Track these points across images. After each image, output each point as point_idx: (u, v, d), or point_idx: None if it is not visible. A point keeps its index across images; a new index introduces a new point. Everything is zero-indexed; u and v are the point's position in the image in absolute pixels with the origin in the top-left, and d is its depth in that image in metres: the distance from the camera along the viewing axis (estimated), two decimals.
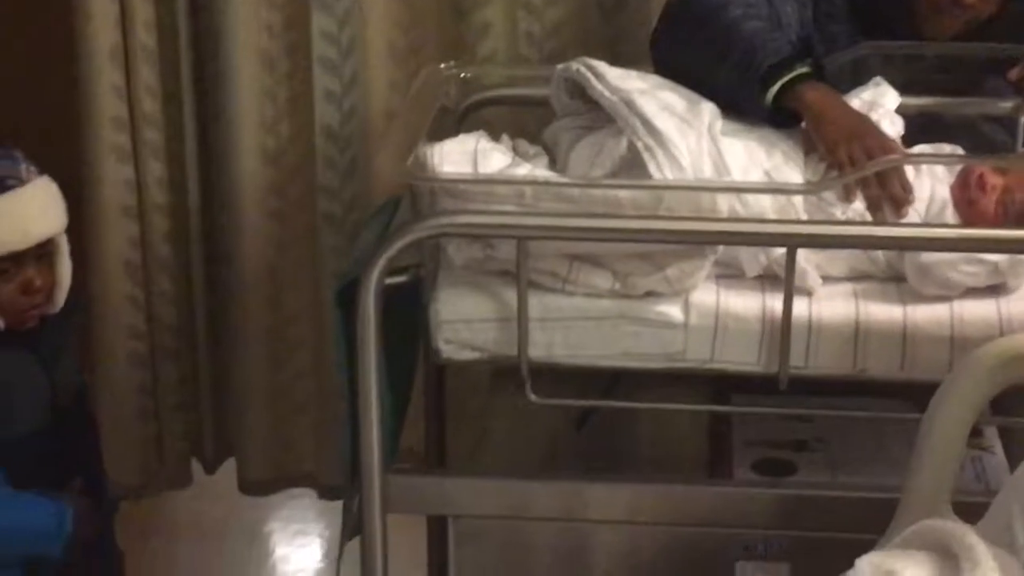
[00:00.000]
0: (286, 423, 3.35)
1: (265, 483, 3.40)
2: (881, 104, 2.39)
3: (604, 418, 2.47)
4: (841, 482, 2.27)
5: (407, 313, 2.27)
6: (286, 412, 3.33)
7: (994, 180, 2.25)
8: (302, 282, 3.25)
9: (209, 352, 3.34)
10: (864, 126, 2.28)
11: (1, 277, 2.42)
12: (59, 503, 2.48)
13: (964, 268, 2.16)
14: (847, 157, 2.23)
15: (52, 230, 2.47)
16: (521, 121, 2.86)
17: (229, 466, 3.43)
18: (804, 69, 2.32)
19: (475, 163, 2.23)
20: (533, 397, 2.21)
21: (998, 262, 2.16)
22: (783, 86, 2.30)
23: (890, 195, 2.23)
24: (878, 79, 2.44)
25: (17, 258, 2.43)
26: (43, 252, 2.47)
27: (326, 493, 3.39)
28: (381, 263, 2.09)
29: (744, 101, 2.35)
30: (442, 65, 2.61)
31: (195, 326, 3.32)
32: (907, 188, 2.24)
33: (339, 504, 3.28)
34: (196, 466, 3.44)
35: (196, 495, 3.51)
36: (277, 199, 3.20)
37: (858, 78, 2.48)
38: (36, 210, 2.44)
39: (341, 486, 3.27)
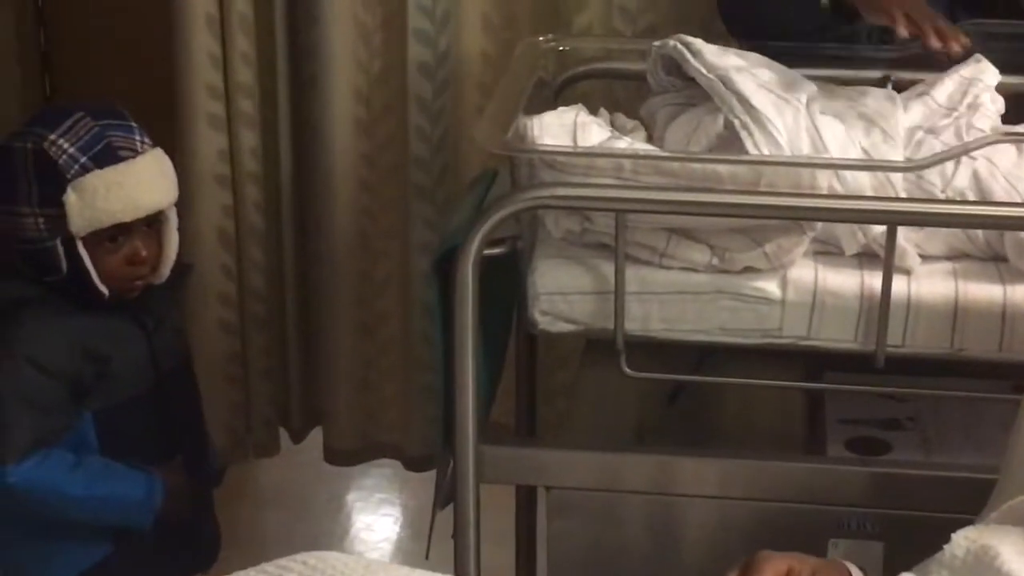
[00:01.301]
0: (373, 393, 3.37)
1: (351, 453, 3.44)
2: (981, 80, 2.37)
3: (695, 392, 2.46)
4: (935, 462, 2.26)
5: (501, 283, 2.28)
6: (373, 382, 3.36)
7: None
8: (391, 253, 3.27)
9: (298, 321, 3.37)
10: None
11: (109, 246, 2.44)
12: (151, 476, 2.51)
13: None
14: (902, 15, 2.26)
15: (161, 203, 2.48)
16: (617, 94, 2.87)
17: (316, 435, 3.46)
18: None
19: (574, 136, 2.23)
20: (628, 371, 2.21)
21: None
22: None
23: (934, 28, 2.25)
24: (978, 56, 2.42)
25: (126, 228, 2.44)
26: (152, 223, 2.48)
27: (411, 464, 3.41)
28: (480, 234, 2.10)
29: (801, 15, 2.36)
30: (540, 38, 2.61)
31: (285, 295, 3.34)
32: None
33: (422, 475, 3.34)
34: (283, 435, 3.47)
35: (282, 463, 3.54)
36: (368, 170, 3.21)
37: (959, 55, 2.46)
38: (147, 182, 2.45)
39: (426, 457, 3.32)
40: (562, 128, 2.24)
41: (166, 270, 2.53)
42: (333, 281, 3.27)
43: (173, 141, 3.02)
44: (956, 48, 2.27)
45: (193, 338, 3.20)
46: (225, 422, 3.31)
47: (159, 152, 2.51)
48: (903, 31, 2.30)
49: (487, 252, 2.13)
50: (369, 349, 3.33)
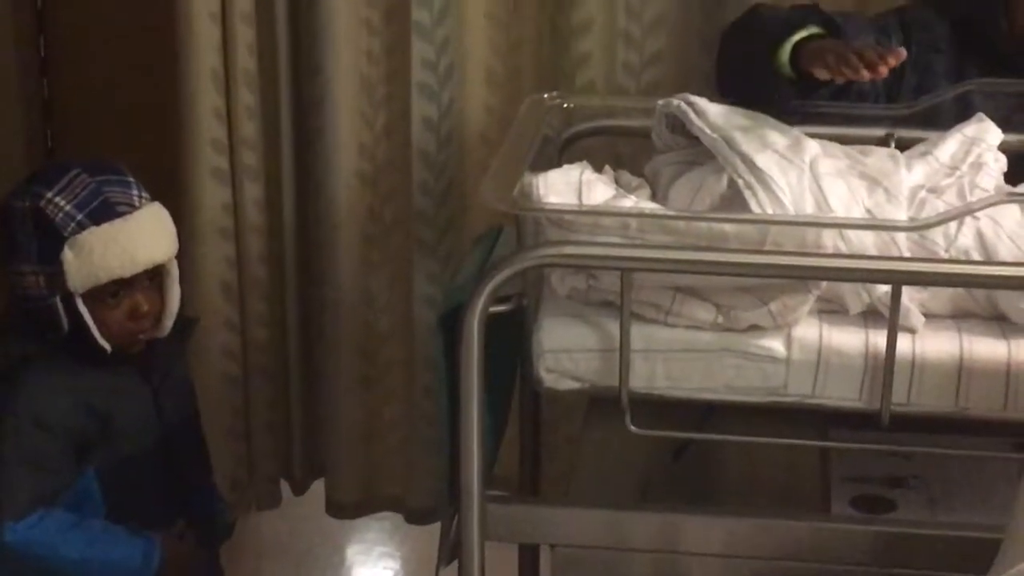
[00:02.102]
0: (375, 445, 3.37)
1: (352, 505, 3.44)
2: (984, 140, 2.38)
3: (700, 448, 2.46)
4: (941, 520, 2.25)
5: (506, 337, 2.28)
6: (375, 434, 3.36)
7: None
8: (395, 305, 3.27)
9: (301, 374, 3.37)
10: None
11: (109, 302, 2.45)
12: (150, 542, 2.52)
13: None
14: (835, 56, 2.29)
15: (161, 257, 2.49)
16: (621, 151, 2.88)
17: (317, 487, 3.46)
18: (815, 29, 2.38)
19: (580, 194, 2.24)
20: (633, 428, 2.22)
21: None
22: (795, 49, 2.38)
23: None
24: (980, 115, 2.44)
25: (126, 283, 2.45)
26: (153, 276, 2.49)
27: (413, 517, 3.41)
28: (487, 291, 2.10)
29: (770, 78, 2.41)
30: (545, 95, 2.62)
31: (288, 348, 3.35)
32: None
33: (423, 528, 3.33)
34: (285, 487, 3.47)
35: (283, 515, 3.54)
36: (372, 223, 3.22)
37: (961, 114, 2.48)
38: (145, 237, 2.46)
39: (428, 510, 3.32)
40: (568, 186, 2.25)
41: (168, 323, 2.54)
42: (336, 334, 3.27)
43: (174, 194, 3.03)
44: (892, 61, 2.27)
45: (196, 391, 3.21)
46: (227, 474, 3.31)
47: (157, 206, 2.51)
48: (823, 73, 2.33)
49: (493, 309, 2.14)
50: (372, 402, 3.34)
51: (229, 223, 3.21)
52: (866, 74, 2.25)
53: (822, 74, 2.33)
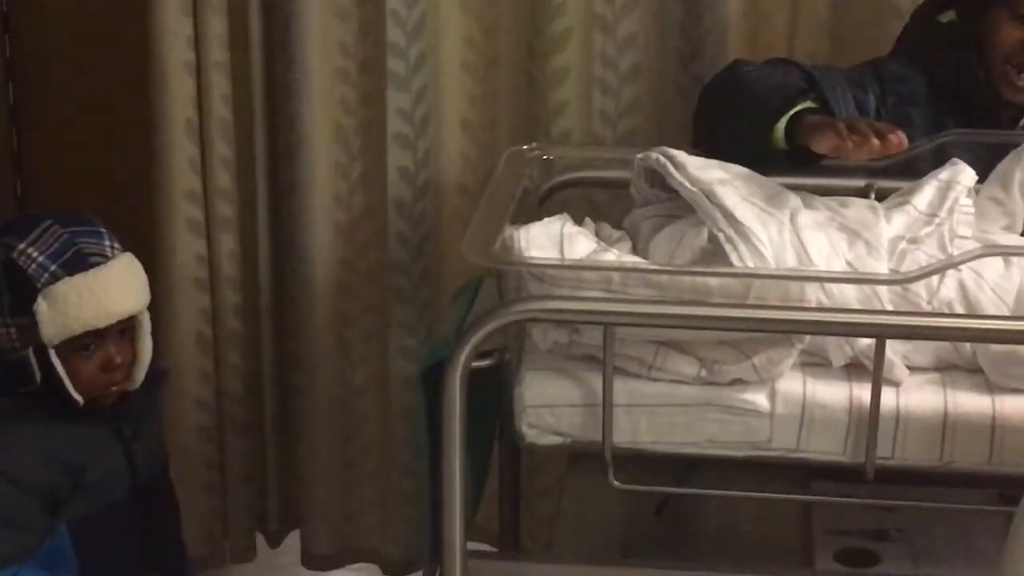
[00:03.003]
0: (351, 497, 3.35)
1: (329, 557, 3.41)
2: (959, 183, 2.38)
3: (682, 503, 2.45)
4: (925, 573, 2.25)
5: (485, 392, 2.27)
6: (352, 486, 3.34)
7: None
8: (371, 357, 3.25)
9: (276, 425, 3.34)
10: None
11: (82, 353, 2.43)
12: None
13: None
14: (847, 131, 2.28)
15: (134, 308, 2.47)
16: (600, 201, 2.88)
17: (293, 539, 3.43)
18: (808, 104, 2.37)
19: (561, 247, 2.24)
20: (616, 483, 2.21)
21: None
22: (790, 124, 2.37)
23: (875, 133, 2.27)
24: (954, 160, 2.44)
25: (99, 335, 2.43)
26: (125, 328, 2.47)
27: (389, 568, 3.39)
28: (469, 347, 2.09)
29: (763, 150, 2.40)
30: (524, 147, 2.62)
31: (263, 399, 3.32)
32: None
33: None
34: (259, 539, 3.44)
35: (259, 568, 3.49)
36: (348, 273, 3.21)
37: (940, 164, 2.47)
38: (118, 288, 2.44)
39: (405, 561, 3.30)
40: (549, 239, 2.25)
41: (140, 375, 2.52)
42: (312, 385, 3.25)
43: (147, 245, 3.01)
44: (895, 140, 2.28)
45: (171, 444, 3.17)
46: (202, 528, 3.28)
47: (130, 257, 2.50)
48: (824, 147, 2.33)
49: (474, 364, 2.13)
50: (348, 453, 3.31)
51: (204, 274, 3.19)
52: (875, 143, 2.24)
53: (822, 148, 2.31)
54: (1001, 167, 2.49)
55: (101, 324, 2.42)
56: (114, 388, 2.49)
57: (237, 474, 3.33)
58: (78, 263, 2.41)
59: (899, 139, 2.25)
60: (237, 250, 3.20)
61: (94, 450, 2.50)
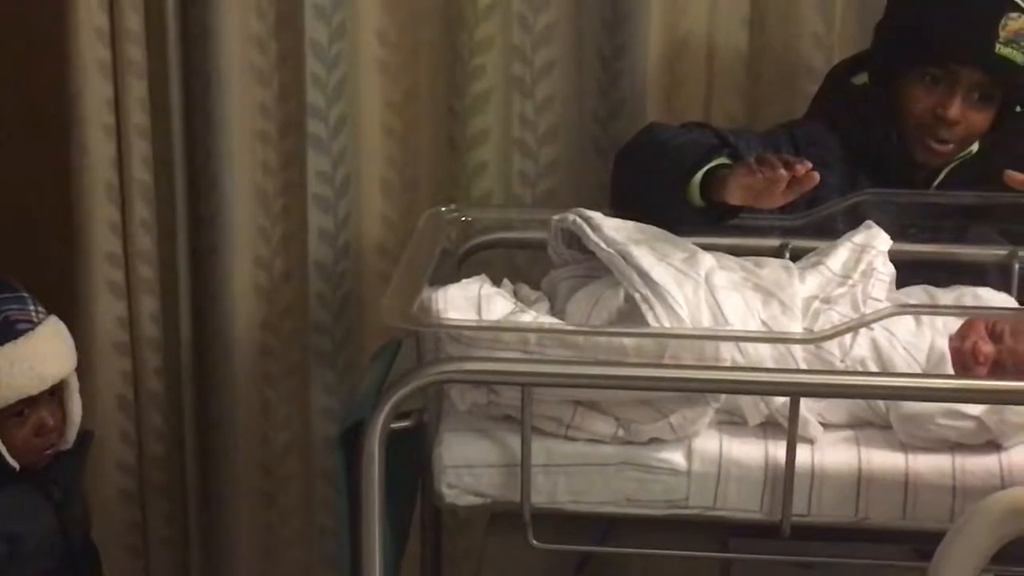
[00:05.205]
0: (274, 560, 3.33)
1: None
2: (873, 247, 2.42)
3: (603, 561, 2.46)
4: None
5: (405, 453, 2.27)
6: (274, 548, 3.32)
7: (987, 349, 2.28)
8: (292, 419, 3.25)
9: (198, 488, 3.33)
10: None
11: (15, 420, 2.42)
12: None
13: (942, 422, 2.17)
14: (760, 165, 2.28)
15: (64, 371, 2.47)
16: (519, 262, 2.90)
17: None
18: (722, 160, 2.40)
19: (479, 309, 2.25)
20: (535, 543, 2.21)
21: (983, 419, 2.16)
22: (705, 181, 2.38)
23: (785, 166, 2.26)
24: (869, 223, 2.47)
25: (31, 400, 2.42)
26: (54, 390, 2.47)
27: None
28: (387, 408, 2.10)
29: (679, 209, 2.41)
30: (443, 208, 2.63)
31: (185, 462, 3.31)
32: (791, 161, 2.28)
33: None
34: None
35: None
36: (269, 335, 3.21)
37: (854, 223, 2.51)
38: (49, 353, 2.44)
39: None
40: (467, 301, 2.26)
41: (72, 435, 2.51)
42: (234, 447, 3.25)
43: (67, 307, 2.99)
44: (802, 169, 2.27)
45: (93, 507, 3.15)
46: None
47: (55, 319, 2.50)
48: (738, 198, 2.34)
49: (393, 426, 2.13)
50: (271, 516, 3.30)
51: (125, 337, 3.19)
52: (783, 173, 2.25)
53: (736, 193, 2.33)
54: None
55: (35, 391, 2.42)
56: (48, 451, 2.48)
57: (160, 538, 3.31)
58: (6, 332, 2.40)
59: (805, 167, 2.26)
60: (158, 312, 3.20)
61: (29, 516, 2.48)
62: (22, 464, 2.44)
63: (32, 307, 2.45)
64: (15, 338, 2.40)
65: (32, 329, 2.43)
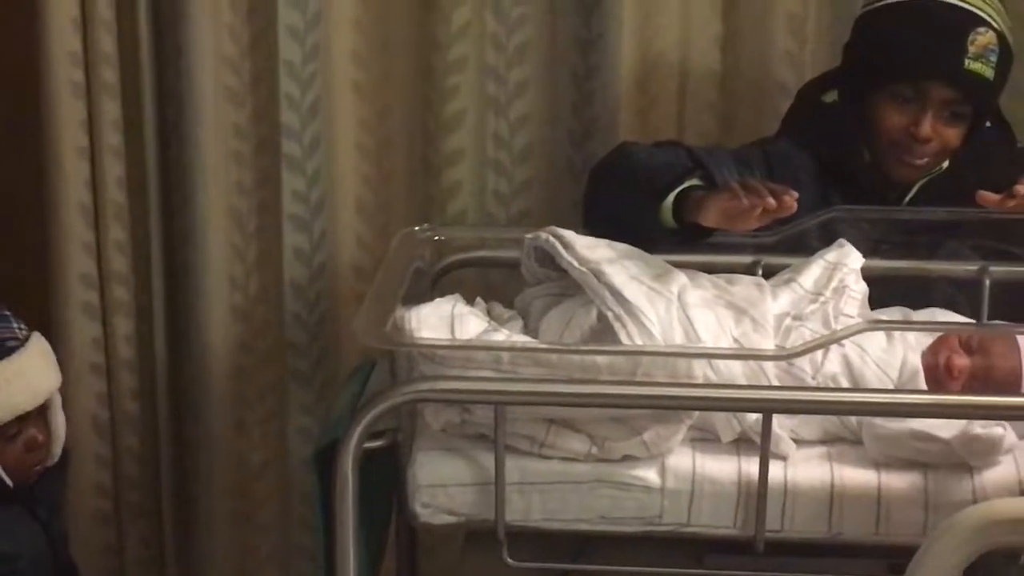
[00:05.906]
0: None
1: None
2: (845, 265, 2.42)
3: None
4: None
5: (380, 473, 2.28)
6: (251, 570, 3.32)
7: (961, 363, 2.29)
8: (269, 439, 3.25)
9: (174, 509, 3.32)
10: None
11: (7, 437, 2.42)
12: None
13: (912, 444, 2.18)
14: (742, 190, 2.28)
15: (54, 385, 2.49)
16: (493, 281, 2.90)
17: None
18: (695, 181, 2.41)
19: (452, 328, 2.25)
20: (510, 561, 2.22)
21: (951, 443, 2.16)
22: (678, 201, 2.40)
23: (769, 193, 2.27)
24: (841, 240, 2.48)
25: (21, 418, 2.43)
26: (41, 407, 2.47)
27: None
28: (361, 428, 2.10)
29: (652, 229, 2.43)
30: (416, 228, 2.64)
31: (161, 483, 3.31)
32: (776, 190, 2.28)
33: None
34: None
35: None
36: (245, 355, 3.21)
37: (826, 240, 2.52)
38: (39, 368, 2.46)
39: None
40: (440, 320, 2.26)
41: (58, 450, 2.53)
42: (210, 468, 3.25)
43: (41, 329, 2.99)
44: (789, 200, 2.28)
45: (69, 528, 3.17)
46: None
47: (38, 335, 2.51)
48: (712, 220, 2.35)
49: (367, 445, 2.14)
50: (247, 536, 3.30)
51: (100, 358, 3.19)
52: (771, 202, 2.26)
53: (712, 216, 2.34)
54: None
55: (30, 407, 2.43)
56: (38, 468, 2.49)
57: (136, 559, 3.31)
58: None
59: (792, 197, 2.27)
60: (133, 333, 3.20)
61: (20, 537, 2.49)
62: (13, 482, 2.44)
63: (15, 324, 2.46)
64: (7, 356, 2.40)
65: (22, 346, 2.44)
